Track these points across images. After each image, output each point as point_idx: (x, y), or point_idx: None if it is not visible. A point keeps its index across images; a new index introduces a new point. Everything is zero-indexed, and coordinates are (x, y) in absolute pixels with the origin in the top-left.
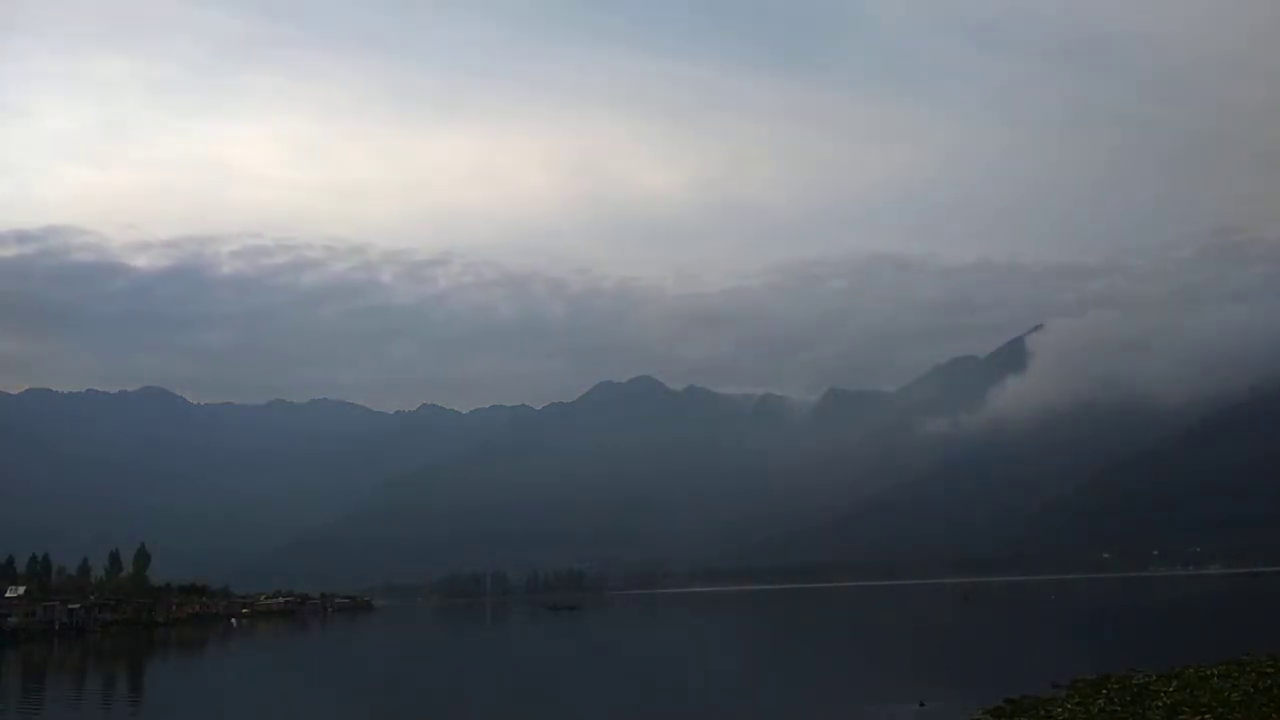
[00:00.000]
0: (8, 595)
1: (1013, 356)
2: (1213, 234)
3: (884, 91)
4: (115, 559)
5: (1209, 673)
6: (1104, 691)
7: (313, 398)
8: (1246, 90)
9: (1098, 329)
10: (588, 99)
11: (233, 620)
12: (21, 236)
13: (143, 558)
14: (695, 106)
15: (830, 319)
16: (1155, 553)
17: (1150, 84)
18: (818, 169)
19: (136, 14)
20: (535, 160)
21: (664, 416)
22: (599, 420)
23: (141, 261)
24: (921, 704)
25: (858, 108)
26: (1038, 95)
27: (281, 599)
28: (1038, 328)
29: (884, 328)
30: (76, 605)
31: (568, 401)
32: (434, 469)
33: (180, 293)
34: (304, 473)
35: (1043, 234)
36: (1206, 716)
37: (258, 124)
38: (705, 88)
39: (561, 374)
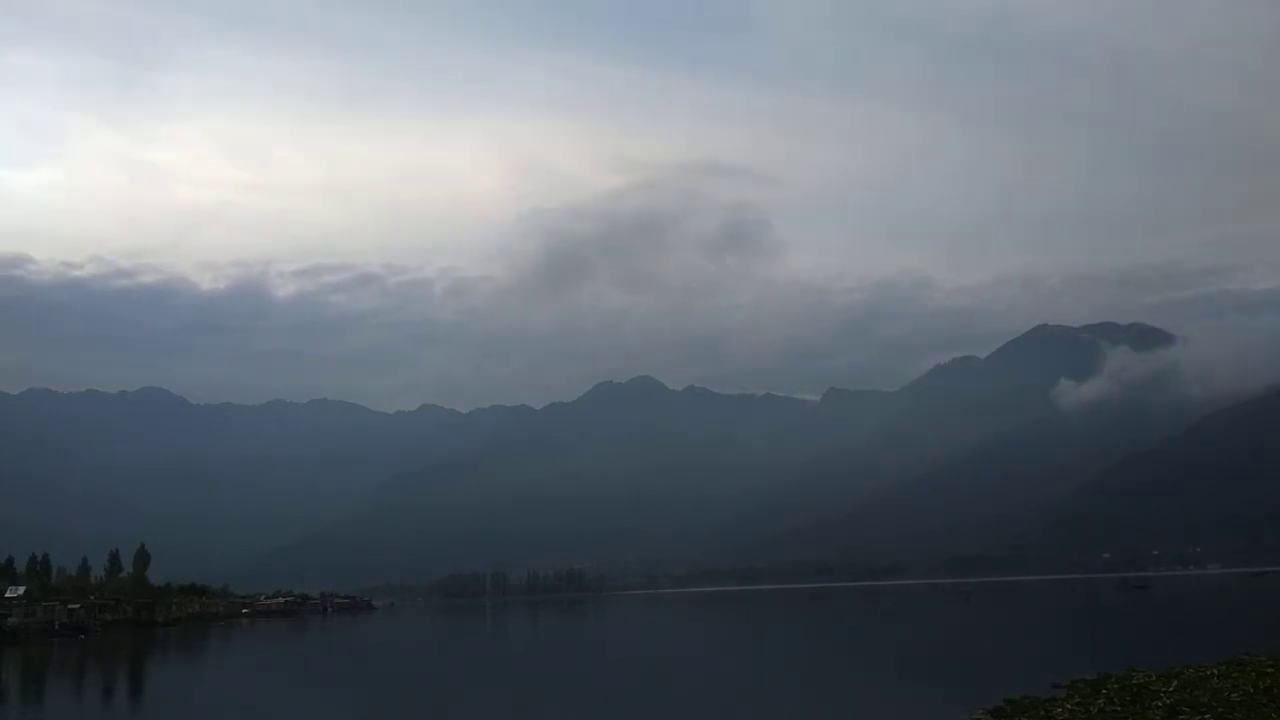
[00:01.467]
0: (8, 595)
1: (1013, 358)
2: (1211, 244)
3: (842, 94)
4: (115, 559)
5: (1209, 672)
6: (1104, 691)
7: (313, 398)
8: (1203, 89)
9: (1097, 332)
10: (528, 100)
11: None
12: None
13: (143, 558)
14: (639, 107)
15: (836, 326)
16: (1155, 553)
17: (1111, 82)
18: (787, 169)
19: (53, 11)
20: (482, 162)
21: (664, 416)
22: (599, 420)
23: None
24: None
25: (815, 109)
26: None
27: (281, 599)
28: (1038, 330)
29: (885, 330)
30: (77, 605)
31: (568, 401)
32: (434, 469)
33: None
34: (304, 473)
35: (1041, 240)
36: (1206, 716)
37: (192, 124)
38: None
39: (562, 374)
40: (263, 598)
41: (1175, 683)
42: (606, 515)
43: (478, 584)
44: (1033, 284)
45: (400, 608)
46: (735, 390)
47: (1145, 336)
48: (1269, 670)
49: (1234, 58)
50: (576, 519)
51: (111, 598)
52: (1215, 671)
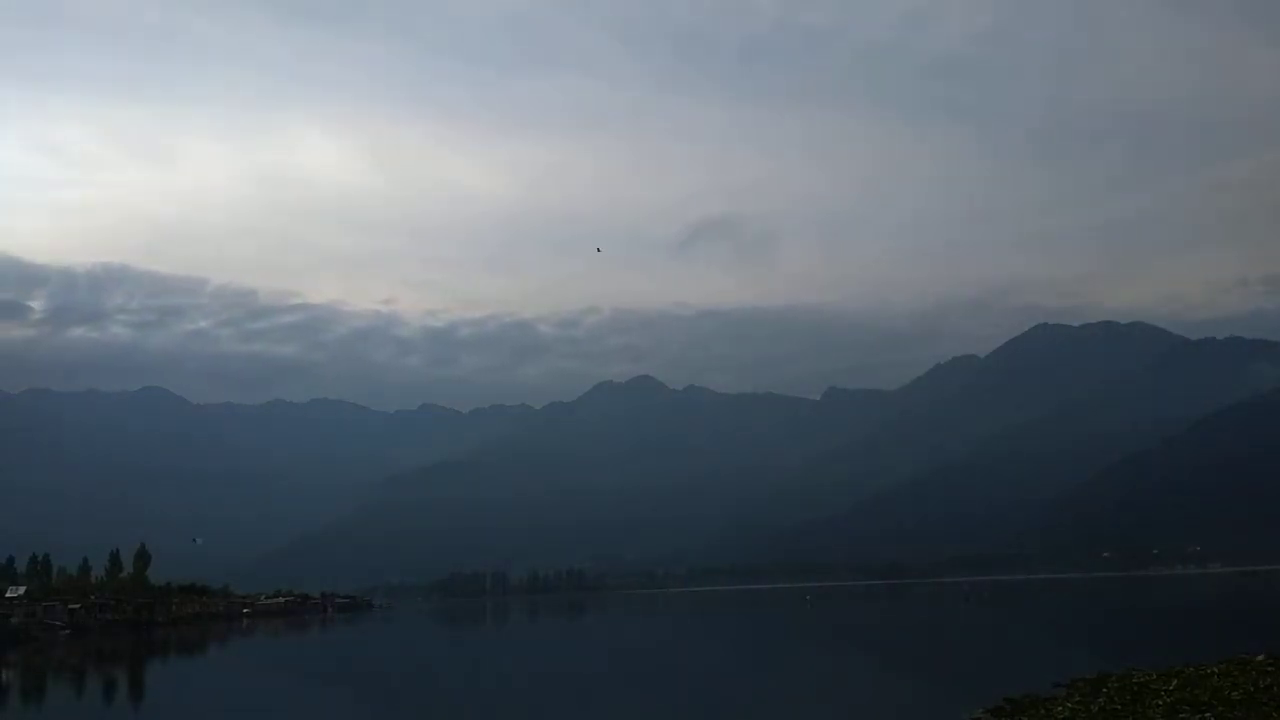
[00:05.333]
0: (8, 595)
1: (1013, 357)
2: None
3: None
4: (115, 559)
5: (1209, 671)
6: (1104, 691)
7: (313, 397)
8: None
9: (1098, 332)
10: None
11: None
12: None
13: (143, 558)
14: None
15: (832, 324)
16: (1155, 552)
17: None
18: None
19: None
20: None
21: (664, 416)
22: (599, 420)
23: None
24: None
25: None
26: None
27: (281, 599)
28: (1036, 329)
29: (884, 329)
30: (77, 605)
31: (568, 401)
32: (434, 469)
33: None
34: (304, 472)
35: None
36: (1207, 715)
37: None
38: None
39: (561, 374)
40: (263, 598)
41: (1175, 681)
42: (606, 515)
43: (478, 583)
44: (1033, 284)
45: (400, 607)
46: (735, 390)
47: (1143, 335)
48: (1269, 669)
49: None
50: (576, 518)
51: (112, 598)
52: (1215, 670)
